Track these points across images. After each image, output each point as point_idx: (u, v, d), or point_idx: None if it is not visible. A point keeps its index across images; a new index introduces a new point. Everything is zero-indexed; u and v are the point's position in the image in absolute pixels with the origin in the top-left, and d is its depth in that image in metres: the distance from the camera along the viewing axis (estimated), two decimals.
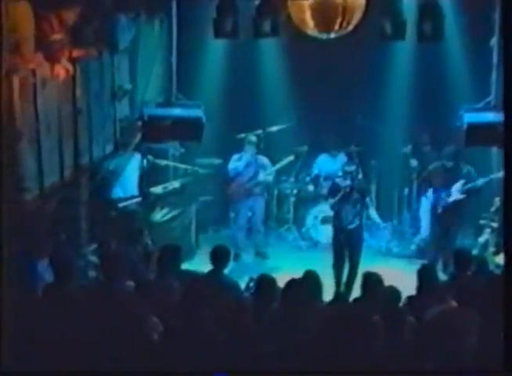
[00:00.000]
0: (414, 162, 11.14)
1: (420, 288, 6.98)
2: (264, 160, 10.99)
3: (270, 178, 11.04)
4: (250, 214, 11.13)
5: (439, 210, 10.32)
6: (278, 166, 11.09)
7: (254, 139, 10.96)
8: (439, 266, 9.97)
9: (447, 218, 10.30)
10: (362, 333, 5.56)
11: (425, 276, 7.04)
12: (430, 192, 10.51)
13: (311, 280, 6.73)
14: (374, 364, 5.31)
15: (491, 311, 5.70)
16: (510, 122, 5.96)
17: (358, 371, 5.27)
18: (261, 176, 10.90)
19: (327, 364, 5.31)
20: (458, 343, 5.33)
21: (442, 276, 9.06)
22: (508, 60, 6.18)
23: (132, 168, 10.26)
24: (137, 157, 10.33)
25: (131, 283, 6.66)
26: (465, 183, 10.14)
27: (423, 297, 6.76)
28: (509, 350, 5.09)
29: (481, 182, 10.10)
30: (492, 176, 10.57)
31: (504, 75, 6.17)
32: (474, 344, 5.44)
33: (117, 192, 10.07)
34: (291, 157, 11.15)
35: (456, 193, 10.17)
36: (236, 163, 10.89)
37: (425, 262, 8.37)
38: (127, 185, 10.15)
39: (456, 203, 10.18)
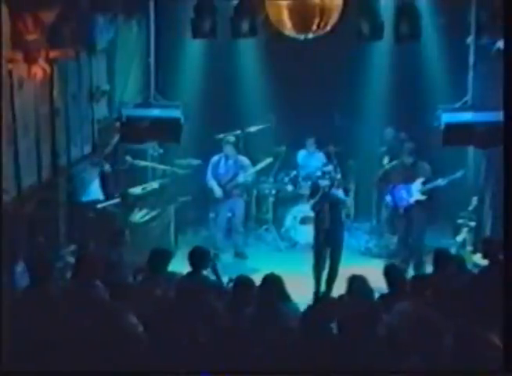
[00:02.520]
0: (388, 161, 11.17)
1: (389, 288, 6.98)
2: (244, 161, 10.98)
3: (249, 179, 11.04)
4: (229, 215, 11.13)
5: (400, 208, 10.42)
6: (257, 168, 11.10)
7: (232, 139, 10.97)
8: (411, 265, 10.08)
9: (409, 216, 10.38)
10: (346, 331, 5.60)
11: (391, 277, 7.04)
12: (391, 190, 10.60)
13: (272, 285, 6.60)
14: (361, 364, 5.33)
15: (489, 310, 5.76)
16: (510, 122, 6.00)
17: (350, 371, 5.29)
18: (241, 178, 10.89)
19: (309, 364, 5.33)
20: (444, 343, 5.36)
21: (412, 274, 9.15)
22: (508, 60, 6.22)
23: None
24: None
25: (110, 284, 6.62)
26: (424, 181, 10.22)
27: (394, 296, 6.78)
28: (509, 350, 5.12)
29: (440, 180, 10.17)
30: (469, 175, 10.67)
31: (504, 75, 6.21)
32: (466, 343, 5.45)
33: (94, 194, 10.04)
34: (270, 159, 11.18)
35: (415, 191, 10.26)
36: (212, 173, 10.85)
37: (389, 262, 8.35)
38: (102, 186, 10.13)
39: (416, 201, 10.27)
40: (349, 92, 11.78)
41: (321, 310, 5.93)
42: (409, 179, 10.28)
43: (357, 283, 6.74)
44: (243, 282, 6.74)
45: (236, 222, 11.11)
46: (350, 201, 9.69)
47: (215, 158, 10.96)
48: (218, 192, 10.83)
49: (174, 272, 7.62)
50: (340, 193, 9.35)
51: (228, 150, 10.86)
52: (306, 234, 10.62)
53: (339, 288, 7.37)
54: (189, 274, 7.29)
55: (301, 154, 11.97)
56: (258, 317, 6.16)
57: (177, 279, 7.24)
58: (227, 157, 10.90)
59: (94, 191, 9.98)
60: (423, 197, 10.21)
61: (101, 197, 10.01)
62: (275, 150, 11.72)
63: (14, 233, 7.55)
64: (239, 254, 11.08)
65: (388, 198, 10.63)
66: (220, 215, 11.04)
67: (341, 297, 6.65)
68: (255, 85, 11.99)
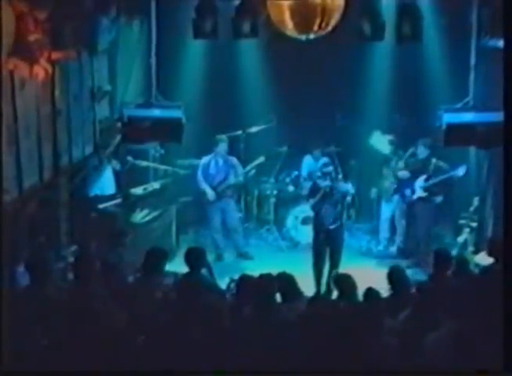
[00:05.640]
0: (393, 162, 11.18)
1: (393, 291, 6.97)
2: (234, 161, 11.00)
3: (241, 179, 11.02)
4: (222, 216, 11.09)
5: (407, 207, 10.51)
6: (248, 168, 11.11)
7: (224, 137, 10.95)
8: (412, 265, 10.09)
9: (416, 215, 10.45)
10: (345, 331, 5.60)
11: (395, 279, 7.04)
12: (400, 190, 10.68)
13: (285, 283, 6.75)
14: (361, 364, 5.33)
15: (490, 311, 5.76)
16: (510, 122, 6.00)
17: (350, 371, 5.29)
18: (233, 179, 10.89)
19: (309, 364, 5.33)
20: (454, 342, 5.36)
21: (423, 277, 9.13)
22: (508, 60, 6.22)
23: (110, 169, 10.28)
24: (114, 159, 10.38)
25: (110, 284, 6.64)
26: (428, 179, 10.28)
27: (395, 297, 6.80)
28: (509, 351, 5.12)
29: (445, 176, 10.20)
30: (471, 176, 10.68)
31: (504, 75, 6.21)
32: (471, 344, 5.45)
33: (96, 192, 10.06)
34: (262, 159, 11.19)
35: (417, 187, 10.33)
36: (203, 174, 10.86)
37: (394, 264, 8.33)
38: (105, 186, 10.15)
39: (422, 199, 10.32)
40: (350, 92, 11.79)
41: (321, 310, 5.94)
42: (419, 174, 10.37)
43: (343, 281, 6.79)
44: (244, 282, 6.76)
45: (230, 222, 11.09)
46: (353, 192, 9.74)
47: (205, 160, 10.96)
48: (210, 194, 10.83)
49: (175, 272, 7.63)
50: (349, 186, 9.40)
51: (221, 148, 10.83)
52: (307, 234, 10.61)
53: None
54: (187, 274, 7.31)
55: (307, 160, 11.92)
56: (259, 317, 6.16)
57: (177, 279, 7.27)
58: (217, 158, 10.90)
59: (104, 186, 10.04)
60: (424, 194, 10.27)
61: (112, 191, 10.07)
62: (276, 150, 11.73)
63: (15, 233, 7.56)
64: (243, 255, 11.08)
65: (396, 195, 10.74)
66: (213, 217, 11.02)
67: (339, 297, 6.69)
68: (256, 86, 11.98)
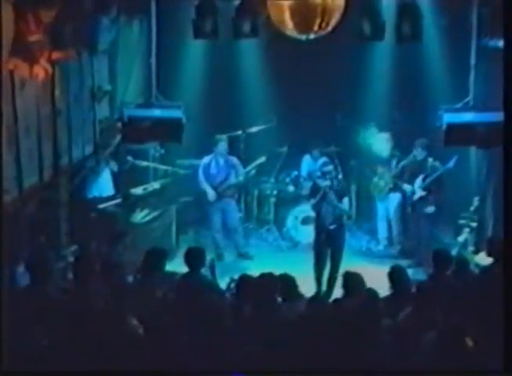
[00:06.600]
0: (392, 162, 11.19)
1: (394, 290, 6.97)
2: (234, 160, 10.99)
3: (241, 179, 11.02)
4: (223, 216, 11.09)
5: (407, 207, 10.55)
6: (249, 168, 11.11)
7: (224, 137, 10.94)
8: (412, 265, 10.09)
9: (415, 215, 10.49)
10: (346, 331, 5.60)
11: (395, 278, 7.03)
12: (400, 191, 10.72)
13: (286, 283, 6.77)
14: (362, 363, 5.33)
15: (490, 311, 5.76)
16: (510, 122, 6.00)
17: (351, 371, 5.29)
18: (233, 178, 10.89)
19: (309, 364, 5.33)
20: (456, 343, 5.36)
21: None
22: (508, 60, 6.22)
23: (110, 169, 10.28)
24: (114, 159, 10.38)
25: (110, 284, 6.64)
26: (425, 178, 10.31)
27: (396, 296, 6.80)
28: (509, 351, 5.12)
29: (441, 174, 10.22)
30: (471, 176, 10.68)
31: (504, 75, 6.21)
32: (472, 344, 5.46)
33: (95, 193, 10.06)
34: (262, 159, 11.19)
35: (417, 188, 10.35)
36: (204, 174, 10.86)
37: (395, 263, 8.31)
38: (103, 187, 10.15)
39: (421, 199, 10.34)
40: (350, 92, 11.78)
41: (321, 310, 5.94)
42: (417, 175, 10.39)
43: (352, 280, 6.79)
44: (244, 282, 6.76)
45: (231, 222, 11.08)
46: (347, 206, 9.71)
47: (206, 160, 10.94)
48: (211, 194, 10.82)
49: (175, 272, 7.63)
50: (344, 204, 9.40)
51: (221, 148, 10.83)
52: (307, 234, 10.63)
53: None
54: (187, 274, 7.31)
55: (305, 160, 11.93)
56: (260, 317, 6.16)
57: (177, 279, 7.27)
58: (218, 158, 10.89)
59: (103, 187, 10.05)
60: (423, 193, 10.29)
61: (111, 193, 10.08)
62: (276, 150, 11.72)
63: (15, 233, 7.56)
64: (243, 255, 11.08)
65: (392, 194, 10.74)
66: (213, 217, 11.02)
67: (341, 296, 6.69)
68: (256, 86, 11.98)
